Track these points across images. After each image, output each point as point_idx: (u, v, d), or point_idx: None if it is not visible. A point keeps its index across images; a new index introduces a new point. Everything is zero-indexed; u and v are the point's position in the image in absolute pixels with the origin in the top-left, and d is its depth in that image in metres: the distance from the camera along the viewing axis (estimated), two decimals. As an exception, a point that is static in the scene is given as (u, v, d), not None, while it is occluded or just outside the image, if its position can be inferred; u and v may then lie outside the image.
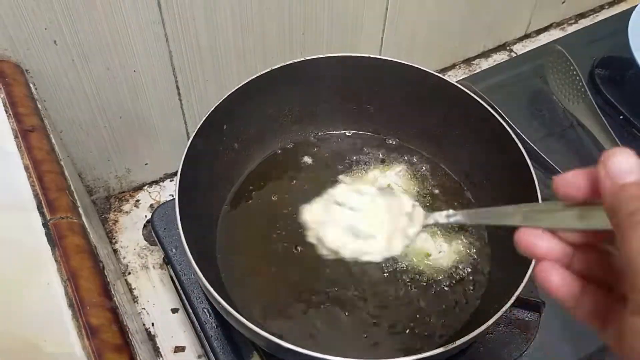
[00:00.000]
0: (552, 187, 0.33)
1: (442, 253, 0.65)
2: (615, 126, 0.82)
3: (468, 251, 0.66)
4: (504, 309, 0.51)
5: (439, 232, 0.68)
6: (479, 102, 0.67)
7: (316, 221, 0.50)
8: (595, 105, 0.83)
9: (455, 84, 0.69)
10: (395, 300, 0.63)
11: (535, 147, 0.77)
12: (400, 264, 0.65)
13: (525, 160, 0.62)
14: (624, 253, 0.29)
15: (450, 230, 0.68)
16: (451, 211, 0.43)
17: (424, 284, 0.64)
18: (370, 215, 0.49)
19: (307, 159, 0.75)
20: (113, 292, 0.50)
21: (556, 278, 0.34)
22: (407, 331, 0.61)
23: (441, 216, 0.44)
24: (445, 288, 0.64)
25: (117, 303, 0.50)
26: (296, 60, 0.68)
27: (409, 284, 0.64)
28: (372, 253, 0.47)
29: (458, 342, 0.50)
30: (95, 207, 0.83)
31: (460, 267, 0.65)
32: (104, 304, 0.47)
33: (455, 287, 0.64)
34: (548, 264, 0.34)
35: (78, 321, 0.45)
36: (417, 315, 0.62)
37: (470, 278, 0.65)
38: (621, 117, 0.87)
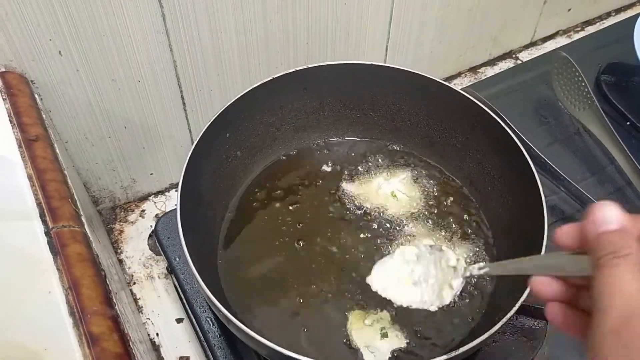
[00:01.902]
0: (554, 238, 0.39)
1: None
2: (621, 132, 0.82)
3: (474, 259, 0.66)
4: (507, 316, 0.51)
5: (443, 241, 0.67)
6: (483, 109, 0.67)
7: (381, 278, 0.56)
8: (602, 112, 0.82)
9: (460, 91, 0.69)
10: (400, 308, 0.62)
11: (540, 154, 0.77)
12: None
13: (530, 166, 0.61)
14: (591, 294, 0.33)
15: (454, 239, 0.67)
16: (482, 263, 0.50)
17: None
18: (423, 269, 0.54)
19: (311, 167, 0.75)
20: (115, 301, 0.50)
21: (559, 317, 0.39)
22: (412, 338, 0.60)
23: (474, 269, 0.49)
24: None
25: (118, 311, 0.50)
26: (298, 68, 0.68)
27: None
28: (427, 302, 0.53)
29: (462, 350, 0.49)
30: (101, 217, 0.83)
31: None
32: (105, 312, 0.47)
33: (461, 294, 0.63)
34: (555, 304, 0.40)
35: (79, 329, 0.45)
36: (422, 322, 0.61)
37: (476, 285, 0.64)
38: (628, 122, 0.87)
